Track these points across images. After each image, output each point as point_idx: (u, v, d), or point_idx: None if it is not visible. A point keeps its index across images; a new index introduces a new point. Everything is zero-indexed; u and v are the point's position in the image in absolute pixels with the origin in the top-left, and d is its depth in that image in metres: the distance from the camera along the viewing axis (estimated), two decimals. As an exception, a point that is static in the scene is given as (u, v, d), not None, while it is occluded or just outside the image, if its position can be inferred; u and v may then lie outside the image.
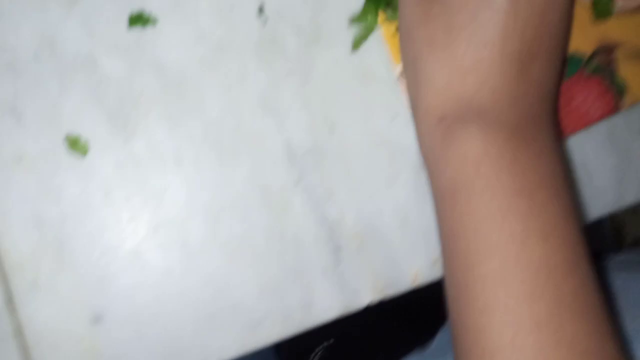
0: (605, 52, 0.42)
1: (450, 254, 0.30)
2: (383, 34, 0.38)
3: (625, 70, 0.42)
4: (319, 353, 0.58)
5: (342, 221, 0.38)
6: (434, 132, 0.31)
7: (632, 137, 0.42)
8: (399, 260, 0.37)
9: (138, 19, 0.34)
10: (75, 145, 0.33)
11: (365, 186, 0.38)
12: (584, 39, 0.41)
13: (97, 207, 0.34)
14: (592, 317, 0.27)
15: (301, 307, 0.37)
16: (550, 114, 0.31)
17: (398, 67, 0.38)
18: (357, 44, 0.37)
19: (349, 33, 0.37)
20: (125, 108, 0.34)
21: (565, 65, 0.38)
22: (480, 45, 0.29)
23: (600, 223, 0.86)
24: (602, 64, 0.41)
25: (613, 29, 0.42)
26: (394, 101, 0.37)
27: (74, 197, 0.34)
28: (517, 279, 0.27)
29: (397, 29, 0.35)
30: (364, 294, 0.38)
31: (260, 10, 0.36)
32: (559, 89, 0.33)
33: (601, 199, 0.42)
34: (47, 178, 0.33)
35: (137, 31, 0.35)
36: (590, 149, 0.42)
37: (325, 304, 0.37)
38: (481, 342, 0.28)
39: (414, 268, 0.37)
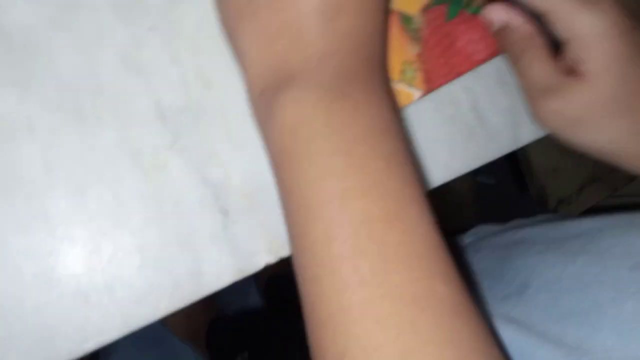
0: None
1: (287, 222, 0.30)
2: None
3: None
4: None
5: (227, 182, 0.35)
6: (258, 107, 0.30)
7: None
8: (291, 214, 0.35)
9: (-27, -20, 0.32)
10: None
11: (250, 143, 0.36)
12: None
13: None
14: (420, 265, 0.27)
15: (190, 276, 0.34)
16: (368, 66, 0.31)
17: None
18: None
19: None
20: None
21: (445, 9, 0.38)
22: (281, 8, 0.29)
23: (523, 186, 0.87)
24: (485, 3, 0.41)
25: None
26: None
27: None
28: (340, 239, 0.27)
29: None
30: (259, 256, 0.35)
31: (113, -35, 0.34)
32: (382, 39, 0.33)
33: (497, 140, 0.42)
34: None
35: (-27, -7, 0.32)
36: (481, 92, 0.42)
37: (217, 270, 0.34)
38: (316, 311, 0.27)
39: (308, 220, 0.35)
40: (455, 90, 0.41)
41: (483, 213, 0.87)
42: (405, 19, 0.39)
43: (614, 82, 0.32)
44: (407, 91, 0.39)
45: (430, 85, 0.39)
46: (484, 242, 0.48)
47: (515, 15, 0.36)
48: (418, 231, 0.28)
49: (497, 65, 0.42)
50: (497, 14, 0.37)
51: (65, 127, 0.33)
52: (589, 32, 0.33)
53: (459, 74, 0.40)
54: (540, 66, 0.35)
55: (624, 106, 0.33)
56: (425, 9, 0.40)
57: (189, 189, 0.34)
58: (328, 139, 0.28)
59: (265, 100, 0.30)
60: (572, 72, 0.34)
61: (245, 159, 0.36)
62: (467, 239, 0.52)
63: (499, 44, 0.39)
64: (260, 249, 0.35)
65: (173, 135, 0.34)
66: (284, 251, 0.35)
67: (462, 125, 0.41)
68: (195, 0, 0.35)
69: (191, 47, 0.35)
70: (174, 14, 0.35)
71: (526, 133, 0.43)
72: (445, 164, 0.40)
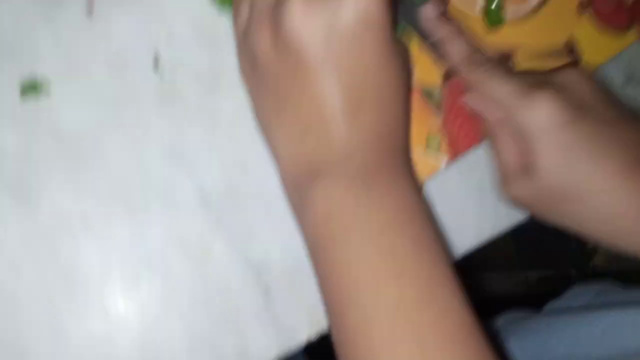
0: (504, 58, 0.43)
1: (325, 301, 0.32)
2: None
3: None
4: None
5: (267, 260, 0.37)
6: (292, 197, 0.33)
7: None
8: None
9: (30, 89, 0.34)
10: (-24, 224, 0.32)
11: (286, 222, 0.37)
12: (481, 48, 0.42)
13: (8, 286, 0.33)
14: (455, 345, 0.29)
15: (237, 354, 0.36)
16: (392, 155, 0.33)
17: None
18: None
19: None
20: (26, 179, 0.34)
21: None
22: (307, 108, 0.31)
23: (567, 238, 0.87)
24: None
25: (508, 36, 0.43)
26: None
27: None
28: (377, 325, 0.29)
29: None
30: (301, 329, 0.37)
31: (156, 63, 0.36)
32: (404, 128, 0.34)
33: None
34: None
35: (31, 101, 0.34)
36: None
37: (262, 347, 0.36)
38: None
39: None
40: (479, 155, 0.42)
41: (520, 251, 0.87)
42: (427, 93, 0.41)
43: (560, 172, 0.34)
44: (433, 160, 0.40)
45: (456, 152, 0.41)
46: (517, 325, 0.50)
47: (489, 104, 0.38)
48: (451, 311, 0.29)
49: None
50: (473, 105, 0.39)
51: (117, 219, 0.35)
52: (534, 127, 0.34)
53: (482, 139, 0.42)
54: (507, 154, 0.37)
55: (572, 194, 0.35)
56: (445, 81, 0.41)
57: (232, 270, 0.36)
58: (358, 229, 0.30)
59: (298, 192, 0.32)
60: (529, 159, 0.36)
61: (283, 237, 0.37)
62: (500, 322, 0.53)
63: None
64: (302, 324, 0.37)
65: (216, 219, 0.36)
66: (324, 324, 0.37)
67: (489, 188, 0.42)
68: (231, 91, 0.37)
69: (228, 135, 0.37)
70: (212, 106, 0.37)
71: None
72: (476, 228, 0.42)
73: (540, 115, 0.34)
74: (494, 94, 0.36)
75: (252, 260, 0.37)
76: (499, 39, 0.43)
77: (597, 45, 0.46)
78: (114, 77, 0.36)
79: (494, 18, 0.43)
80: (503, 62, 0.43)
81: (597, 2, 0.47)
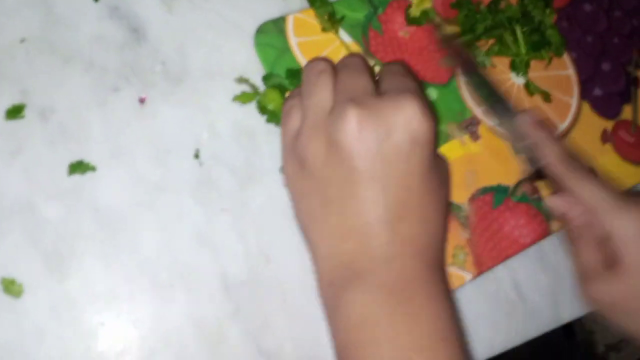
0: (529, 182, 0.44)
1: None
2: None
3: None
4: None
5: (280, 351, 0.38)
6: (326, 296, 0.34)
7: (561, 258, 0.44)
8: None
9: (77, 167, 0.37)
10: (10, 288, 0.34)
11: (301, 315, 0.39)
12: (507, 171, 0.44)
13: (31, 349, 0.34)
14: None
15: None
16: (430, 269, 0.34)
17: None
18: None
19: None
20: (61, 250, 0.36)
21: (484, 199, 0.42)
22: (351, 214, 0.33)
23: (570, 332, 0.86)
24: (528, 192, 0.44)
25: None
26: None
27: (7, 340, 0.34)
28: None
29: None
30: None
31: (196, 154, 0.39)
32: (442, 243, 0.36)
33: (537, 318, 0.43)
34: (-21, 322, 0.34)
35: (77, 178, 0.37)
36: (522, 271, 0.44)
37: None
38: None
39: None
40: (498, 268, 0.43)
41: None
42: (456, 208, 0.42)
43: None
44: (459, 274, 0.41)
45: (480, 268, 0.42)
46: None
47: (574, 206, 0.39)
48: None
49: (538, 246, 0.44)
50: (557, 206, 0.41)
51: (141, 296, 0.37)
52: (625, 232, 0.36)
53: (506, 257, 0.42)
54: (590, 254, 0.39)
55: None
56: (473, 198, 0.43)
57: (244, 357, 0.37)
58: (390, 342, 0.31)
59: (333, 292, 0.33)
60: (614, 262, 0.37)
61: (297, 330, 0.38)
62: None
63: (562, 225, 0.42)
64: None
65: (234, 306, 0.38)
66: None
67: (503, 302, 0.43)
68: (262, 185, 0.39)
69: (256, 226, 0.39)
70: (243, 197, 0.39)
71: (567, 312, 0.44)
72: (488, 340, 0.42)
73: (634, 223, 0.36)
74: (587, 198, 0.38)
75: (264, 349, 0.38)
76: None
77: (620, 174, 0.47)
78: (156, 163, 0.38)
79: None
80: (529, 185, 0.45)
81: (618, 134, 0.49)
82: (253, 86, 0.41)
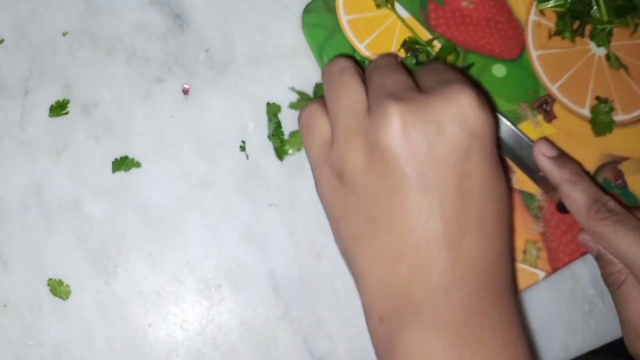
0: (611, 166, 0.40)
1: None
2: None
3: (635, 183, 0.39)
4: None
5: (333, 354, 0.36)
6: (377, 333, 0.28)
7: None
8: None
9: (122, 164, 0.35)
10: (58, 289, 0.34)
11: (355, 315, 0.36)
12: (586, 153, 0.39)
13: (78, 350, 0.34)
14: None
15: None
16: (499, 300, 0.28)
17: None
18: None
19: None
20: (107, 249, 0.35)
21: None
22: (401, 232, 0.27)
23: None
24: (610, 179, 0.39)
25: (616, 143, 0.40)
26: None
27: (56, 341, 0.34)
28: None
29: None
30: None
31: (242, 147, 0.37)
32: (510, 263, 0.30)
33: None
34: (30, 323, 0.34)
35: (121, 174, 0.36)
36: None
37: None
38: None
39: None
40: (575, 264, 0.39)
41: None
42: (528, 197, 0.38)
43: None
44: (531, 271, 0.37)
45: (555, 264, 0.37)
46: None
47: (611, 257, 0.35)
48: None
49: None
50: (590, 249, 0.36)
51: (188, 296, 0.35)
52: None
53: (585, 252, 0.38)
54: (634, 305, 0.34)
55: None
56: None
57: (295, 359, 0.36)
58: None
59: (385, 329, 0.28)
60: None
61: (350, 331, 0.36)
62: None
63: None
64: None
65: (285, 305, 0.36)
66: None
67: (581, 301, 0.39)
68: (310, 179, 0.36)
69: (305, 221, 0.37)
70: (292, 192, 0.37)
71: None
72: (563, 342, 0.38)
73: None
74: (624, 254, 0.32)
75: (316, 351, 0.36)
76: (606, 146, 0.40)
77: None
78: (202, 157, 0.36)
79: (600, 127, 0.40)
80: (611, 170, 0.40)
81: None
82: (307, 96, 0.38)
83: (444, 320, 0.26)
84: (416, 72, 0.32)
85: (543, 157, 0.35)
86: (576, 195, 0.34)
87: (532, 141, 0.36)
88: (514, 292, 0.31)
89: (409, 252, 0.27)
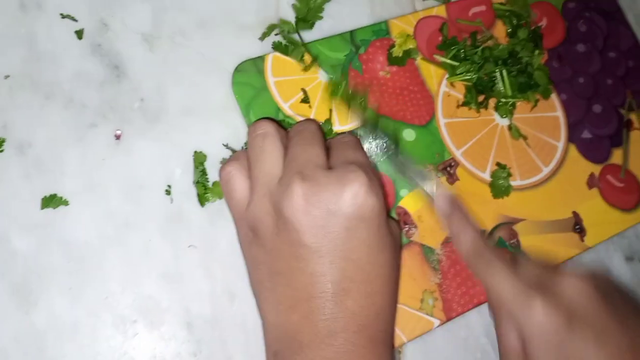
0: (507, 226, 0.44)
1: None
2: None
3: (527, 243, 0.44)
4: None
5: (240, 391, 0.38)
6: None
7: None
8: None
9: (50, 201, 0.38)
10: (-23, 318, 0.35)
11: (263, 355, 0.39)
12: (484, 215, 0.43)
13: (-7, 379, 0.36)
14: None
15: None
16: (373, 345, 0.33)
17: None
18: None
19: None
20: (29, 282, 0.37)
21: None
22: (297, 287, 0.33)
23: None
24: (505, 237, 0.43)
25: (512, 206, 0.44)
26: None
27: (-30, 369, 0.35)
28: None
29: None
30: None
31: (168, 191, 0.40)
32: (390, 318, 0.35)
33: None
34: (-54, 350, 0.35)
35: (49, 211, 0.38)
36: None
37: None
38: None
39: None
40: (469, 314, 0.42)
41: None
42: (428, 250, 0.42)
43: None
44: (426, 319, 0.41)
45: (449, 314, 0.41)
46: None
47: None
48: None
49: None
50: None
51: (104, 331, 0.37)
52: (529, 327, 0.35)
53: (477, 304, 0.42)
54: (507, 341, 0.37)
55: None
56: (446, 242, 0.42)
57: (203, 395, 0.38)
58: None
59: None
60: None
61: (259, 370, 0.39)
62: None
63: None
64: None
65: (197, 342, 0.38)
66: None
67: (474, 349, 0.42)
68: (232, 222, 0.40)
69: (222, 264, 0.39)
70: (212, 235, 0.40)
71: None
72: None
73: (534, 322, 0.34)
74: (496, 290, 0.37)
75: (224, 388, 0.38)
76: (502, 208, 0.44)
77: (606, 220, 0.46)
78: (128, 199, 0.39)
79: (499, 190, 0.45)
80: (506, 230, 0.44)
81: (606, 179, 0.47)
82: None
83: (323, 356, 0.32)
84: (329, 141, 0.38)
85: (440, 208, 0.40)
86: (460, 240, 0.39)
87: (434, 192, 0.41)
88: (391, 343, 0.35)
89: (301, 303, 0.33)
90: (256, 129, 0.36)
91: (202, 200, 0.40)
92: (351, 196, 0.32)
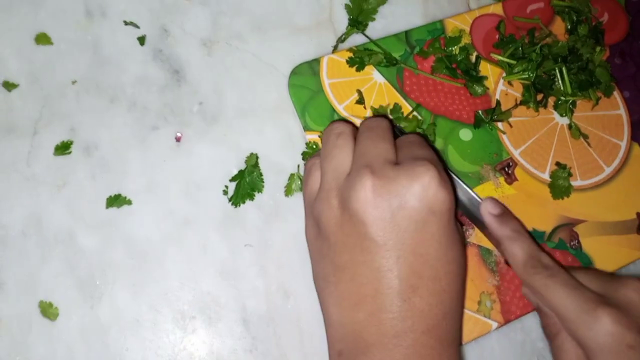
0: (567, 228, 0.43)
1: None
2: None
3: (589, 245, 0.42)
4: None
5: (295, 388, 0.39)
6: None
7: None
8: None
9: (114, 200, 0.39)
10: (47, 310, 0.37)
11: (315, 354, 0.39)
12: (542, 216, 0.42)
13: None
14: None
15: None
16: (441, 347, 0.32)
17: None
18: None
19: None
20: (94, 278, 0.38)
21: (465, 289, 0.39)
22: (362, 283, 0.32)
23: None
24: (565, 239, 0.42)
25: (573, 207, 0.43)
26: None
27: (41, 359, 0.37)
28: None
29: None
30: None
31: (225, 191, 0.41)
32: (458, 318, 0.34)
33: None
34: (19, 341, 0.37)
35: (113, 210, 0.39)
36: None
37: None
38: None
39: None
40: (526, 317, 0.41)
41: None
42: (485, 252, 0.41)
43: None
44: (484, 321, 0.40)
45: (507, 316, 0.40)
46: None
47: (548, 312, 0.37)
48: None
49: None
50: (530, 300, 0.39)
51: (164, 326, 0.38)
52: (595, 344, 0.33)
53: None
54: (567, 356, 0.36)
55: None
56: (503, 245, 0.41)
57: (259, 392, 0.38)
58: None
59: None
60: None
61: (314, 368, 0.39)
62: None
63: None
64: None
65: (252, 339, 0.39)
66: None
67: (530, 353, 0.41)
68: (287, 222, 0.40)
69: (277, 263, 0.40)
70: (267, 235, 0.40)
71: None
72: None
73: (602, 335, 0.33)
74: (555, 307, 0.35)
75: (279, 385, 0.39)
76: (562, 209, 0.43)
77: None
78: (187, 199, 0.40)
79: (559, 190, 0.44)
80: (566, 231, 0.43)
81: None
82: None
83: (391, 357, 0.31)
84: (397, 140, 0.37)
85: (488, 214, 0.38)
86: (514, 251, 0.37)
87: (481, 200, 0.39)
88: (459, 343, 0.34)
89: (366, 300, 0.32)
90: (333, 128, 0.36)
91: (235, 201, 0.41)
92: (421, 189, 0.32)
